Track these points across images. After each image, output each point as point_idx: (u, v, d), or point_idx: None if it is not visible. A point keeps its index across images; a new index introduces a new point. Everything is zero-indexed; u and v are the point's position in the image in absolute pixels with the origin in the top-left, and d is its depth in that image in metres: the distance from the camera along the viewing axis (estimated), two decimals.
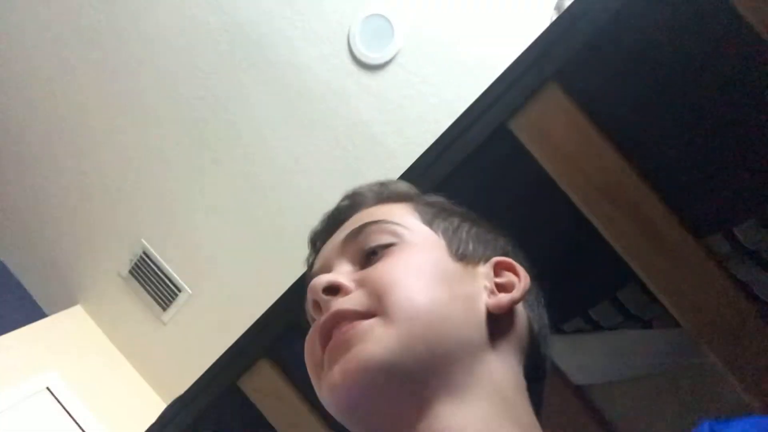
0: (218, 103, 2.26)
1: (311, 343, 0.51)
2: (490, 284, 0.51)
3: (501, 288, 0.52)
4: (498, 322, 0.49)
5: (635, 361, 0.74)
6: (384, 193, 0.60)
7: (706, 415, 0.69)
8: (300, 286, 0.84)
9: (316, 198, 2.28)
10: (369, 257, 0.52)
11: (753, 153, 0.64)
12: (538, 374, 0.52)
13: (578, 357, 0.75)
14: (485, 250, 0.55)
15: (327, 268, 0.54)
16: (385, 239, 0.52)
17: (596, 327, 0.73)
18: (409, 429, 0.44)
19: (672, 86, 0.65)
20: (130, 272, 2.49)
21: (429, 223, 0.55)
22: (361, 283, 0.49)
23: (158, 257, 2.44)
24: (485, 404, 0.45)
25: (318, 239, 0.62)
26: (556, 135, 0.69)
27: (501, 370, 0.47)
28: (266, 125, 2.25)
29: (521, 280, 0.52)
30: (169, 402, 0.95)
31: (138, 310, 2.54)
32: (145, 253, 2.44)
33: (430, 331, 0.45)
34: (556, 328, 0.74)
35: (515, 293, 0.50)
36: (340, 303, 0.48)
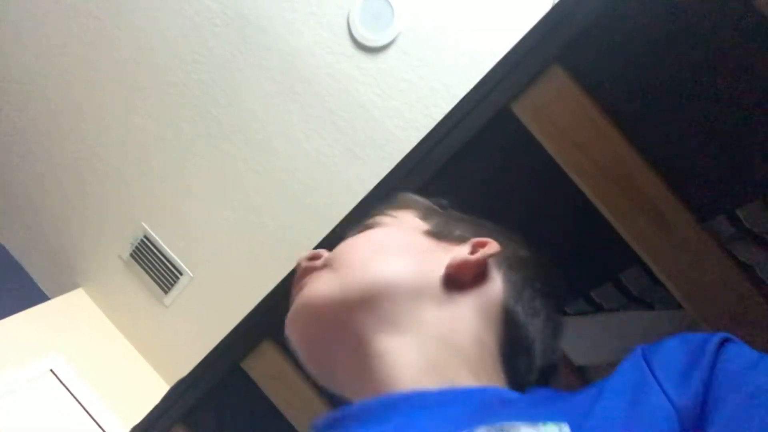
0: (217, 88, 2.24)
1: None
2: (459, 256, 0.54)
3: None
4: (457, 281, 0.52)
5: (637, 342, 0.74)
6: (398, 202, 0.66)
7: None
8: None
9: (317, 181, 2.28)
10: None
11: (757, 135, 0.64)
12: (516, 351, 0.53)
13: (580, 338, 0.75)
14: (467, 233, 0.58)
15: None
16: (371, 224, 0.60)
17: (599, 309, 0.73)
18: (349, 354, 0.50)
19: (676, 68, 0.64)
20: (132, 255, 2.49)
21: (424, 218, 0.61)
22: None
23: (159, 240, 2.45)
24: (429, 344, 0.48)
25: None
26: (559, 117, 0.68)
27: (451, 319, 0.50)
28: (267, 109, 2.24)
29: (487, 248, 0.54)
30: (173, 384, 0.96)
31: (140, 293, 2.55)
32: (146, 236, 2.45)
33: (369, 276, 0.51)
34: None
35: (472, 256, 0.53)
36: (306, 264, 0.57)
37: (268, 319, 0.86)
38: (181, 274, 2.45)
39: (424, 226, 0.59)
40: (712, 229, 0.66)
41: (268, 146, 2.28)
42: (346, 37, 2.16)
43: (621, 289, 0.71)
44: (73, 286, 2.63)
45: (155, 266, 2.47)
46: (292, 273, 0.85)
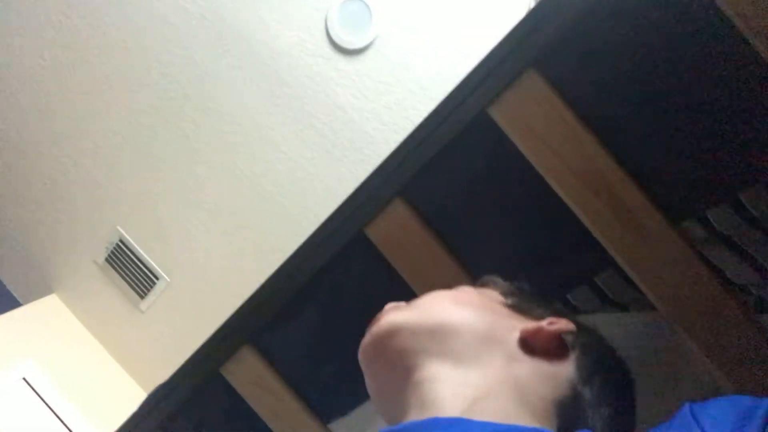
0: (194, 90, 2.22)
1: None
2: (535, 325, 0.57)
3: None
4: (530, 346, 0.55)
5: (612, 343, 0.75)
6: (479, 282, 0.70)
7: (683, 397, 0.71)
8: (281, 273, 0.84)
9: (295, 185, 2.27)
10: None
11: (728, 138, 0.65)
12: (571, 424, 0.53)
13: None
14: (543, 310, 0.62)
15: None
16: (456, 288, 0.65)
17: (574, 310, 0.74)
18: (407, 375, 0.54)
19: (650, 73, 0.66)
20: (107, 260, 2.45)
21: (505, 294, 0.65)
22: None
23: (135, 245, 2.41)
24: (486, 382, 0.51)
25: None
26: (535, 122, 0.69)
27: (516, 371, 0.53)
28: (244, 111, 2.23)
29: (561, 323, 0.57)
30: (149, 391, 0.95)
31: (115, 299, 2.51)
32: (121, 240, 2.41)
33: (444, 318, 0.56)
34: None
35: (548, 326, 0.56)
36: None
37: (248, 324, 0.86)
38: (157, 278, 2.42)
39: (505, 300, 0.63)
40: (684, 232, 0.68)
41: (245, 149, 2.27)
42: (324, 39, 2.15)
43: (596, 292, 0.73)
44: (46, 292, 2.58)
45: (131, 271, 2.43)
46: (273, 278, 0.85)
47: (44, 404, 2.16)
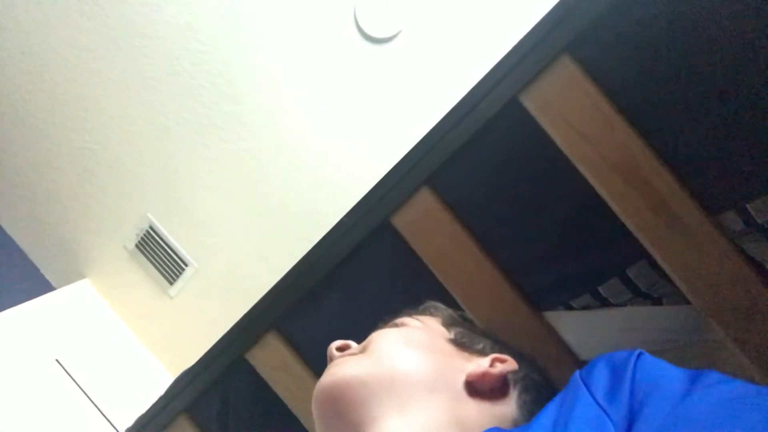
0: (222, 78, 2.24)
1: None
2: (479, 366, 0.59)
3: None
4: (474, 389, 0.57)
5: (643, 337, 0.74)
6: (421, 309, 0.72)
7: None
8: (307, 261, 0.84)
9: (321, 174, 2.27)
10: None
11: None
12: None
13: (586, 333, 0.74)
14: (489, 348, 0.64)
15: None
16: (399, 322, 0.66)
17: (605, 304, 0.72)
18: (356, 430, 0.55)
19: (688, 57, 0.63)
20: (137, 246, 2.49)
21: (447, 326, 0.67)
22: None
23: (164, 232, 2.45)
24: (433, 424, 0.53)
25: None
26: (568, 109, 0.68)
27: (462, 412, 0.55)
28: (270, 99, 2.24)
29: (505, 365, 0.59)
30: (177, 374, 0.96)
31: (145, 284, 2.56)
32: (151, 227, 2.45)
33: (395, 371, 0.56)
34: (565, 304, 0.74)
35: (492, 369, 0.58)
36: (341, 353, 0.63)
37: (273, 310, 0.86)
38: (186, 265, 2.45)
39: (448, 334, 0.65)
40: (721, 223, 0.65)
41: (272, 138, 2.27)
42: (353, 28, 2.14)
43: (628, 284, 0.71)
44: (78, 277, 2.63)
45: (160, 257, 2.47)
46: (298, 266, 0.85)
47: (76, 385, 2.22)
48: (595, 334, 0.74)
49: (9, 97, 2.38)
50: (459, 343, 0.64)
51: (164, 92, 2.28)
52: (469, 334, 0.66)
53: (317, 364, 0.85)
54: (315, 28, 2.15)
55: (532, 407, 0.60)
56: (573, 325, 0.75)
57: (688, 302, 0.68)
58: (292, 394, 0.86)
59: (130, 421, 1.00)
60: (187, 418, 0.93)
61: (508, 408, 0.58)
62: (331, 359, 0.64)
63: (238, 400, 0.90)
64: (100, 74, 2.29)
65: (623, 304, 0.72)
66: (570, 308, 0.74)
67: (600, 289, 0.71)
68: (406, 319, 0.67)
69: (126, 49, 2.24)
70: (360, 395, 0.56)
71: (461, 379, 0.58)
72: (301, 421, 0.86)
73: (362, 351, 0.62)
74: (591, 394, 0.49)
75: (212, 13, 2.16)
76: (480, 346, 0.64)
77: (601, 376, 0.50)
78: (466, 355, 0.62)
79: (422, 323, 0.66)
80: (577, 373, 0.54)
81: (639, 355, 0.50)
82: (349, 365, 0.59)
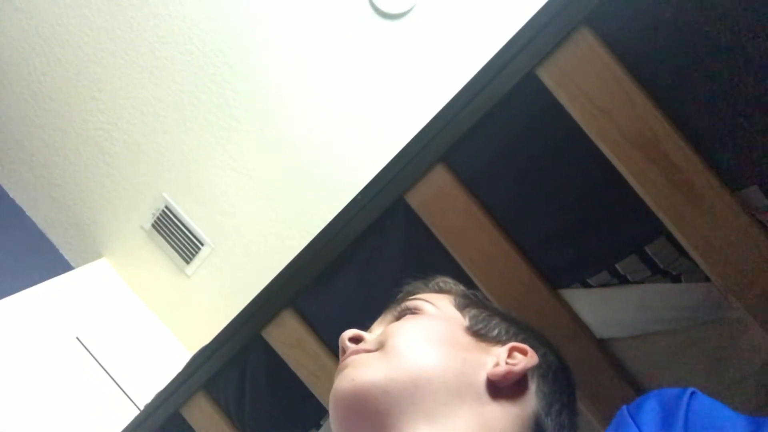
0: (236, 57, 2.23)
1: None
2: (499, 360, 0.58)
3: (508, 366, 0.58)
4: (495, 386, 0.56)
5: (661, 315, 0.73)
6: (432, 285, 0.71)
7: (737, 371, 0.69)
8: (321, 239, 0.84)
9: (336, 152, 2.26)
10: (397, 319, 0.64)
11: None
12: None
13: (603, 311, 0.74)
14: (505, 335, 0.63)
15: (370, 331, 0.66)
16: (414, 309, 0.64)
17: (623, 281, 0.72)
18: None
19: (709, 30, 0.61)
20: (153, 226, 2.52)
21: (461, 309, 0.65)
22: (380, 335, 0.62)
23: (180, 211, 2.46)
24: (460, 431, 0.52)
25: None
26: (586, 83, 0.66)
27: (486, 418, 0.54)
28: (284, 78, 2.22)
29: (526, 360, 0.58)
30: (194, 352, 0.97)
31: (162, 263, 2.58)
32: (167, 207, 2.46)
33: (416, 373, 0.54)
34: (582, 282, 0.73)
35: (515, 367, 0.57)
36: (356, 346, 0.61)
37: (288, 288, 0.86)
38: (202, 244, 2.47)
39: (463, 320, 0.63)
40: (743, 199, 0.64)
41: (287, 118, 2.27)
42: (366, 3, 2.11)
43: (646, 261, 0.70)
44: (96, 256, 2.67)
45: (177, 237, 2.49)
46: (313, 243, 0.85)
47: (96, 362, 2.26)
48: (612, 311, 0.74)
49: (25, 79, 2.39)
50: (475, 333, 0.62)
51: (178, 72, 2.28)
52: (484, 319, 0.64)
53: (332, 341, 0.85)
54: (328, 3, 2.12)
55: (551, 398, 0.60)
56: (590, 303, 0.74)
57: (707, 279, 0.67)
58: (308, 370, 0.86)
59: (149, 397, 1.02)
60: (205, 394, 0.94)
61: (529, 403, 0.57)
62: (344, 350, 0.62)
63: (255, 376, 0.91)
64: (114, 55, 2.29)
65: (641, 282, 0.71)
66: (587, 286, 0.74)
67: (618, 266, 0.70)
68: (420, 303, 0.65)
69: (139, 29, 2.23)
70: (382, 403, 0.54)
71: (482, 377, 0.57)
72: (317, 397, 0.87)
73: (379, 347, 0.59)
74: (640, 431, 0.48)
75: None
76: (495, 332, 0.63)
77: (651, 413, 0.49)
78: (483, 345, 0.61)
79: (436, 307, 0.64)
80: (624, 408, 0.52)
81: (692, 394, 0.49)
82: (368, 369, 0.56)
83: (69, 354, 2.21)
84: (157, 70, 2.28)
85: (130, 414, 2.11)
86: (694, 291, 0.69)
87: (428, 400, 0.53)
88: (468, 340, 0.61)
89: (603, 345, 0.75)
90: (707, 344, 0.73)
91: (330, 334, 0.85)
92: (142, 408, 1.03)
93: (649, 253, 0.69)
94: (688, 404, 0.47)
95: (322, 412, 0.88)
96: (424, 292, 0.69)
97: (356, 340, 0.63)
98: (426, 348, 0.57)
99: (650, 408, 0.50)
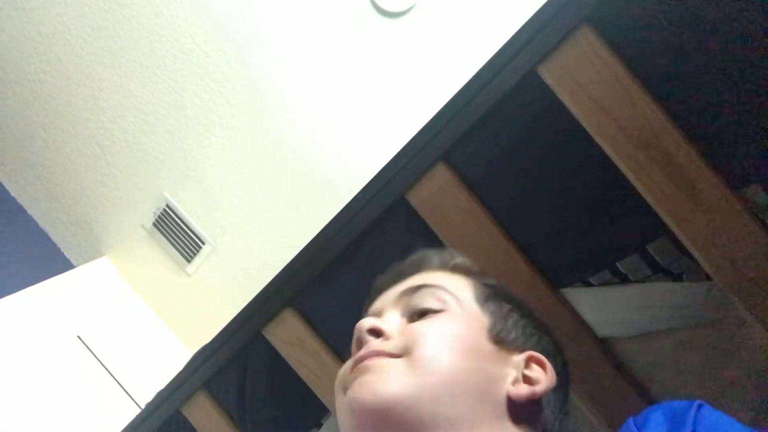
0: (237, 56, 2.22)
1: (344, 369, 0.59)
2: (517, 373, 0.57)
3: (527, 380, 0.57)
4: (518, 407, 0.55)
5: (662, 314, 0.73)
6: (448, 262, 0.67)
7: (739, 370, 0.68)
8: (322, 238, 0.84)
9: (337, 152, 2.26)
10: (418, 316, 0.60)
11: None
12: None
13: (604, 310, 0.74)
14: (524, 341, 0.61)
15: (379, 313, 0.63)
16: (436, 304, 0.60)
17: (624, 280, 0.71)
18: None
19: (710, 29, 0.61)
20: (154, 225, 2.52)
21: (481, 302, 0.62)
22: (403, 332, 0.58)
23: (181, 210, 2.46)
24: None
25: (380, 287, 0.68)
26: (587, 81, 0.66)
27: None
28: (286, 77, 2.22)
29: (547, 379, 0.57)
30: (195, 350, 0.97)
31: (163, 262, 2.58)
32: (168, 206, 2.47)
33: (443, 389, 0.52)
34: (583, 280, 0.73)
35: (537, 388, 0.56)
36: (377, 344, 0.57)
37: (289, 287, 0.86)
38: (203, 243, 2.47)
39: (484, 318, 0.60)
40: (744, 197, 0.64)
41: (288, 117, 2.27)
42: (367, 1, 2.11)
43: (648, 260, 0.70)
44: (97, 255, 2.67)
45: (178, 236, 2.49)
46: (314, 242, 0.85)
47: (97, 361, 2.26)
48: (613, 311, 0.74)
49: (26, 78, 2.39)
50: (496, 338, 0.59)
51: (178, 71, 2.27)
52: (503, 318, 0.61)
53: (333, 340, 0.85)
54: (329, 2, 2.12)
55: (559, 403, 0.60)
56: (591, 302, 0.74)
57: (709, 278, 0.67)
58: (309, 369, 0.86)
59: (150, 396, 1.02)
60: (205, 393, 0.94)
61: (541, 418, 0.57)
62: (362, 343, 0.58)
63: (255, 375, 0.91)
64: (115, 54, 2.29)
65: (643, 281, 0.71)
66: (588, 285, 0.74)
67: (619, 265, 0.70)
68: (443, 295, 0.60)
69: (140, 28, 2.23)
70: (405, 419, 0.51)
71: (503, 392, 0.55)
72: (318, 396, 0.87)
73: (404, 353, 0.55)
74: None
75: None
76: (513, 335, 0.60)
77: (658, 426, 0.49)
78: (503, 354, 0.58)
79: (458, 301, 0.60)
80: (630, 420, 0.52)
81: (699, 406, 0.48)
82: (394, 381, 0.52)
83: (70, 353, 2.21)
84: (159, 69, 2.28)
85: (131, 413, 2.12)
86: (696, 290, 0.69)
87: (451, 415, 0.52)
88: (490, 348, 0.58)
89: (604, 344, 0.75)
90: (708, 343, 0.73)
91: (331, 332, 0.85)
92: (143, 407, 1.03)
93: (651, 252, 0.69)
94: (695, 417, 0.47)
95: (323, 412, 0.88)
96: (437, 267, 0.66)
97: (376, 332, 0.58)
98: (455, 362, 0.54)
99: (657, 421, 0.49)
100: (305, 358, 0.86)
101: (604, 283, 0.73)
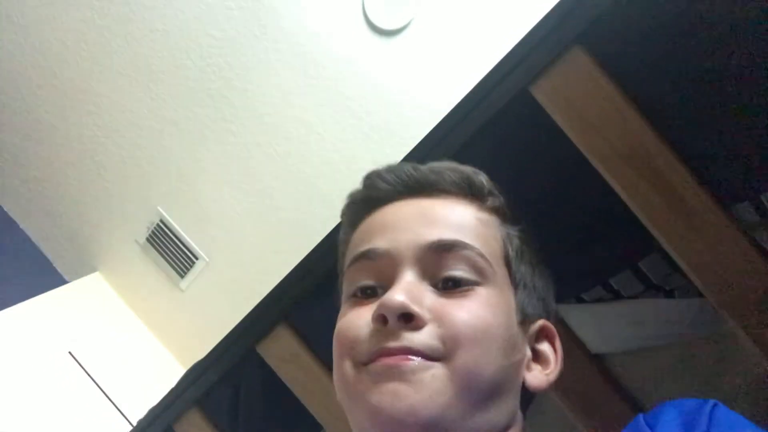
0: (231, 71, 2.24)
1: (356, 330, 0.52)
2: (529, 352, 0.55)
3: (536, 356, 0.56)
4: (527, 391, 0.54)
5: (655, 330, 0.73)
6: (485, 198, 0.59)
7: (730, 388, 0.69)
8: (316, 254, 0.84)
9: (331, 166, 2.27)
10: (448, 283, 0.52)
11: None
12: None
13: (597, 326, 0.74)
14: (541, 310, 0.58)
15: (398, 259, 0.52)
16: (471, 275, 0.52)
17: (617, 296, 0.72)
18: None
19: (701, 49, 0.62)
20: (148, 240, 2.51)
21: (510, 264, 0.56)
22: (436, 316, 0.49)
23: (175, 225, 2.46)
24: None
25: (378, 195, 0.59)
26: (579, 100, 0.67)
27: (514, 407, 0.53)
28: (280, 93, 2.24)
29: (557, 363, 0.56)
30: (188, 366, 0.97)
31: (156, 278, 2.57)
32: (161, 221, 2.46)
33: (484, 402, 0.49)
34: (577, 297, 0.74)
35: (551, 376, 0.55)
36: (410, 339, 0.48)
37: (283, 302, 0.86)
38: (196, 258, 2.47)
39: (511, 298, 0.55)
40: (735, 215, 0.65)
41: (282, 131, 2.28)
42: (361, 20, 2.13)
43: (640, 277, 0.70)
44: (90, 270, 2.66)
45: (171, 251, 2.48)
46: (308, 258, 0.85)
47: (89, 377, 2.24)
48: (606, 327, 0.74)
49: (21, 92, 2.40)
50: (522, 319, 0.55)
51: (174, 86, 2.29)
52: (531, 293, 0.57)
53: (327, 356, 0.85)
54: (324, 20, 2.14)
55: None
56: (584, 318, 0.75)
57: (700, 295, 0.67)
58: (303, 386, 0.86)
59: (142, 413, 1.01)
60: (198, 410, 0.94)
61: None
62: (385, 319, 0.49)
63: (249, 392, 0.90)
64: (110, 69, 2.30)
65: (635, 297, 0.72)
66: (581, 301, 0.74)
67: (612, 281, 0.71)
68: (476, 259, 0.52)
69: (135, 44, 2.25)
70: (452, 427, 0.47)
71: (521, 377, 0.53)
72: (312, 413, 0.86)
73: (443, 355, 0.48)
74: None
75: (221, 6, 2.16)
76: (531, 309, 0.56)
77: (670, 424, 0.47)
78: (523, 336, 0.55)
79: (491, 267, 0.53)
80: (640, 416, 0.50)
81: (714, 405, 0.47)
82: (435, 399, 0.46)
83: (61, 369, 2.19)
84: (153, 84, 2.29)
85: (123, 430, 2.09)
86: (688, 306, 0.70)
87: (487, 419, 0.50)
88: (516, 333, 0.53)
89: (598, 360, 0.75)
90: (701, 359, 0.74)
91: (325, 348, 0.85)
92: (134, 424, 1.02)
93: (643, 269, 0.69)
94: (710, 417, 0.45)
95: (317, 429, 0.88)
96: (464, 195, 0.58)
97: (407, 317, 0.48)
98: (497, 366, 0.50)
99: (669, 418, 0.47)
100: (299, 375, 0.86)
101: (597, 300, 0.73)
